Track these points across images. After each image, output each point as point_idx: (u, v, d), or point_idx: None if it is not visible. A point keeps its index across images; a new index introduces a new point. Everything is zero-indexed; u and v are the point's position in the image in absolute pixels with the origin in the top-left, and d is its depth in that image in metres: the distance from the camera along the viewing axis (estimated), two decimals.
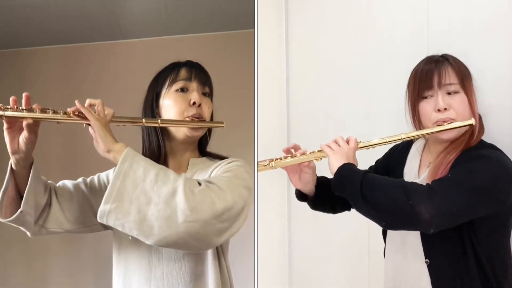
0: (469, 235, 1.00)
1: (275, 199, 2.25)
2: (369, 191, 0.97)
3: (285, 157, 1.13)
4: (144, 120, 1.09)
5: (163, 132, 1.15)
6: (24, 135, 0.99)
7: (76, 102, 1.02)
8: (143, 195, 0.91)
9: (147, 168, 0.94)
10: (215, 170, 1.08)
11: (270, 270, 2.11)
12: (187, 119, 1.10)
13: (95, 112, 1.02)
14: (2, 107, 0.97)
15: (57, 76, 2.56)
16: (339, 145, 1.08)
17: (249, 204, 1.02)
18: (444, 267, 1.03)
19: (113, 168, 1.17)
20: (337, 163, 1.04)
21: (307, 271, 2.02)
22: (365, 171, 1.02)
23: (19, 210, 1.03)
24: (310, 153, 1.11)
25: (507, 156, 1.03)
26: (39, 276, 2.50)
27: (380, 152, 1.30)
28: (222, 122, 1.15)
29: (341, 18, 1.77)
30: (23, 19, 2.33)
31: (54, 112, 1.00)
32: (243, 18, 2.34)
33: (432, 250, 1.05)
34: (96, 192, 1.17)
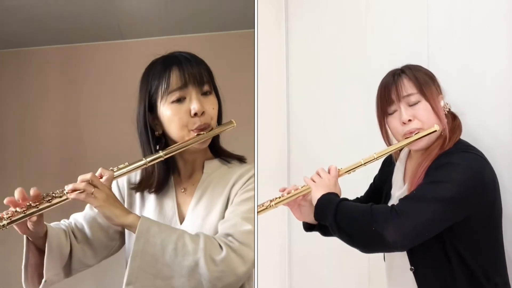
0: (450, 241, 1.01)
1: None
2: (341, 219, 1.02)
3: (278, 198, 1.19)
4: (146, 160, 1.01)
5: (170, 143, 1.07)
6: (30, 223, 0.97)
7: (72, 186, 0.94)
8: (166, 269, 0.91)
9: (164, 242, 0.91)
10: (234, 188, 1.03)
11: (270, 270, 2.11)
12: (192, 132, 1.03)
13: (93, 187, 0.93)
14: (2, 217, 0.93)
15: (57, 76, 2.56)
16: (320, 177, 1.13)
17: None
18: (429, 274, 1.05)
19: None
20: (317, 195, 1.09)
21: (307, 271, 2.02)
22: (339, 200, 1.06)
23: (43, 280, 1.01)
24: (302, 187, 1.17)
25: (480, 158, 1.03)
26: None
27: None
28: (232, 122, 1.09)
29: (341, 18, 1.77)
30: (23, 19, 2.32)
31: (53, 197, 0.95)
32: (243, 18, 2.34)
33: (416, 257, 1.06)
34: None
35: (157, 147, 1.07)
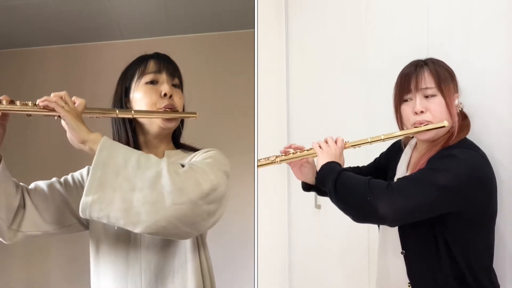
0: (441, 230, 1.05)
1: (275, 199, 2.25)
2: (340, 186, 1.08)
3: (285, 154, 1.23)
4: (117, 111, 1.06)
5: (137, 126, 1.13)
6: None
7: (44, 97, 0.97)
8: (126, 182, 0.88)
9: (127, 154, 0.92)
10: (193, 159, 1.07)
11: (270, 270, 2.11)
12: (160, 110, 1.09)
13: (65, 104, 0.97)
14: None
15: (57, 76, 2.56)
16: (328, 145, 1.18)
17: (228, 190, 1.00)
18: (418, 258, 1.10)
19: (86, 167, 1.16)
20: (322, 161, 1.15)
21: (307, 271, 2.03)
22: (341, 169, 1.12)
23: None
24: (308, 149, 1.21)
25: (482, 157, 1.05)
26: (38, 278, 2.50)
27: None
28: (194, 113, 1.15)
29: (341, 18, 1.77)
30: (23, 19, 2.33)
31: (23, 104, 0.96)
32: (243, 18, 2.34)
33: (407, 241, 1.11)
34: (71, 191, 1.14)
35: (127, 128, 1.14)
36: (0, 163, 1.01)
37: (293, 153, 1.22)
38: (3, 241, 1.06)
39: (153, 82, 1.12)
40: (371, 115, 1.58)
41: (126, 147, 0.96)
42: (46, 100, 0.96)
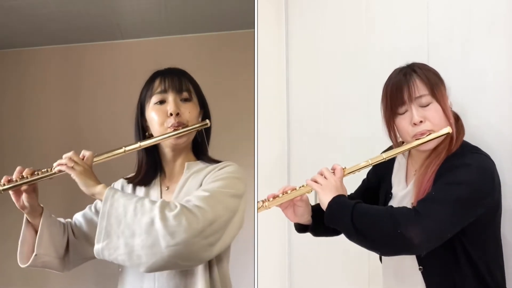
0: (459, 238, 1.02)
1: None
2: (360, 222, 0.99)
3: (276, 196, 1.16)
4: (124, 148, 1.15)
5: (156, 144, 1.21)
6: (25, 196, 1.13)
7: (57, 162, 1.12)
8: (127, 229, 1.00)
9: (126, 204, 1.02)
10: (207, 176, 1.14)
11: (270, 271, 2.11)
12: (168, 129, 1.16)
13: (74, 162, 1.09)
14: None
15: (57, 76, 2.56)
16: (325, 178, 1.09)
17: (241, 211, 1.07)
18: (437, 273, 1.05)
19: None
20: (326, 198, 1.05)
21: (307, 271, 2.02)
22: (354, 203, 1.03)
23: (33, 254, 1.15)
24: (300, 187, 1.13)
25: (489, 159, 1.05)
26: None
27: None
28: (205, 123, 1.20)
29: (341, 18, 1.77)
30: (23, 19, 2.32)
31: (42, 172, 1.12)
32: (243, 18, 2.34)
33: (425, 257, 1.06)
34: None
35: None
36: (42, 215, 1.17)
37: (283, 193, 1.14)
38: (60, 272, 1.24)
39: (161, 102, 1.18)
40: (372, 115, 1.58)
41: (128, 195, 1.07)
42: (59, 165, 1.10)
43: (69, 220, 1.28)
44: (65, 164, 1.09)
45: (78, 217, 1.29)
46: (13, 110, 2.44)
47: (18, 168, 1.13)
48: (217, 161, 1.21)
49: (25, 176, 1.11)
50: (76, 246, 1.24)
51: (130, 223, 1.00)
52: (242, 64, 2.39)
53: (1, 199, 1.17)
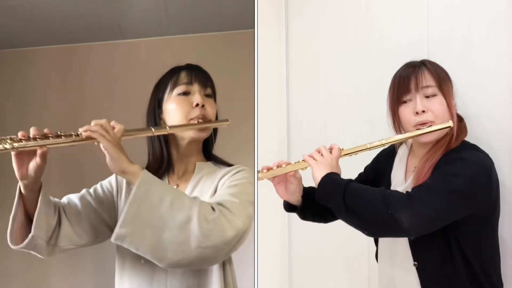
0: (454, 235, 1.02)
1: (275, 200, 2.24)
2: (351, 201, 0.99)
3: (270, 168, 1.14)
4: (153, 129, 1.09)
5: (170, 137, 1.17)
6: (35, 162, 0.97)
7: (86, 127, 0.99)
8: (159, 220, 0.93)
9: (163, 193, 0.95)
10: (222, 180, 1.10)
11: (270, 271, 2.11)
12: (192, 121, 1.13)
13: (106, 131, 0.98)
14: (15, 139, 0.97)
15: (57, 76, 2.56)
16: (322, 155, 1.09)
17: (253, 217, 1.06)
18: (432, 269, 1.05)
19: (114, 174, 1.19)
20: (320, 174, 1.05)
21: (307, 271, 2.02)
22: (347, 181, 1.03)
23: (30, 235, 1.02)
24: (295, 163, 1.12)
25: (488, 157, 1.05)
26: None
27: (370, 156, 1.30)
28: (227, 120, 1.18)
29: (341, 18, 1.77)
30: (23, 19, 2.32)
31: (66, 135, 0.99)
32: (243, 18, 2.34)
33: (419, 252, 1.06)
34: (102, 201, 1.18)
35: (161, 139, 1.17)
36: (41, 191, 1.03)
37: (277, 167, 1.13)
38: (40, 256, 1.10)
39: (185, 93, 1.15)
40: (372, 115, 1.58)
41: (163, 183, 1.00)
42: (88, 130, 0.98)
43: (58, 200, 1.14)
44: (96, 131, 0.97)
45: (73, 198, 1.16)
46: (13, 110, 2.44)
47: (34, 128, 0.98)
48: (227, 163, 1.19)
49: (46, 137, 0.97)
50: (65, 230, 1.10)
51: (163, 215, 0.93)
52: (242, 64, 2.39)
53: None
